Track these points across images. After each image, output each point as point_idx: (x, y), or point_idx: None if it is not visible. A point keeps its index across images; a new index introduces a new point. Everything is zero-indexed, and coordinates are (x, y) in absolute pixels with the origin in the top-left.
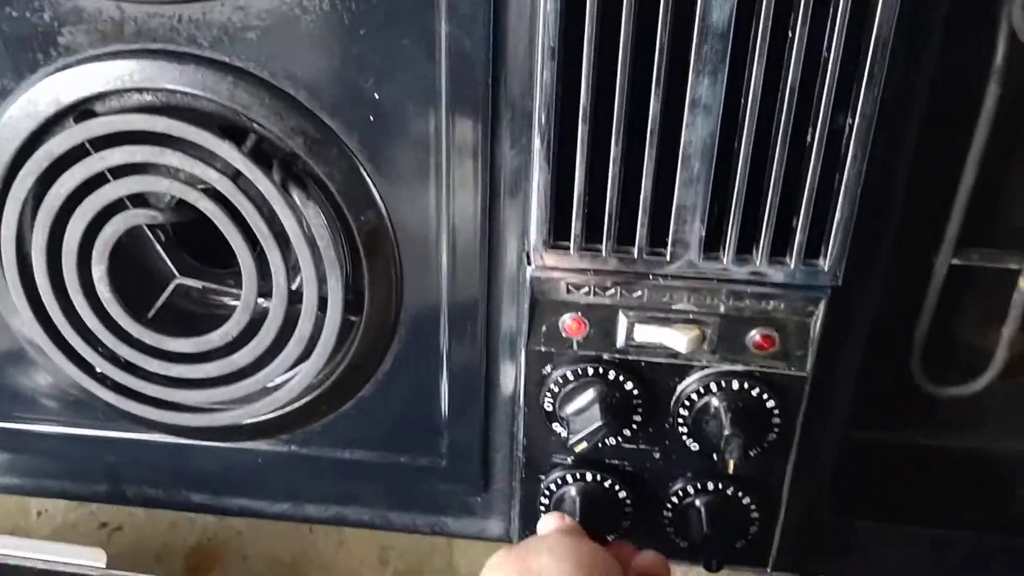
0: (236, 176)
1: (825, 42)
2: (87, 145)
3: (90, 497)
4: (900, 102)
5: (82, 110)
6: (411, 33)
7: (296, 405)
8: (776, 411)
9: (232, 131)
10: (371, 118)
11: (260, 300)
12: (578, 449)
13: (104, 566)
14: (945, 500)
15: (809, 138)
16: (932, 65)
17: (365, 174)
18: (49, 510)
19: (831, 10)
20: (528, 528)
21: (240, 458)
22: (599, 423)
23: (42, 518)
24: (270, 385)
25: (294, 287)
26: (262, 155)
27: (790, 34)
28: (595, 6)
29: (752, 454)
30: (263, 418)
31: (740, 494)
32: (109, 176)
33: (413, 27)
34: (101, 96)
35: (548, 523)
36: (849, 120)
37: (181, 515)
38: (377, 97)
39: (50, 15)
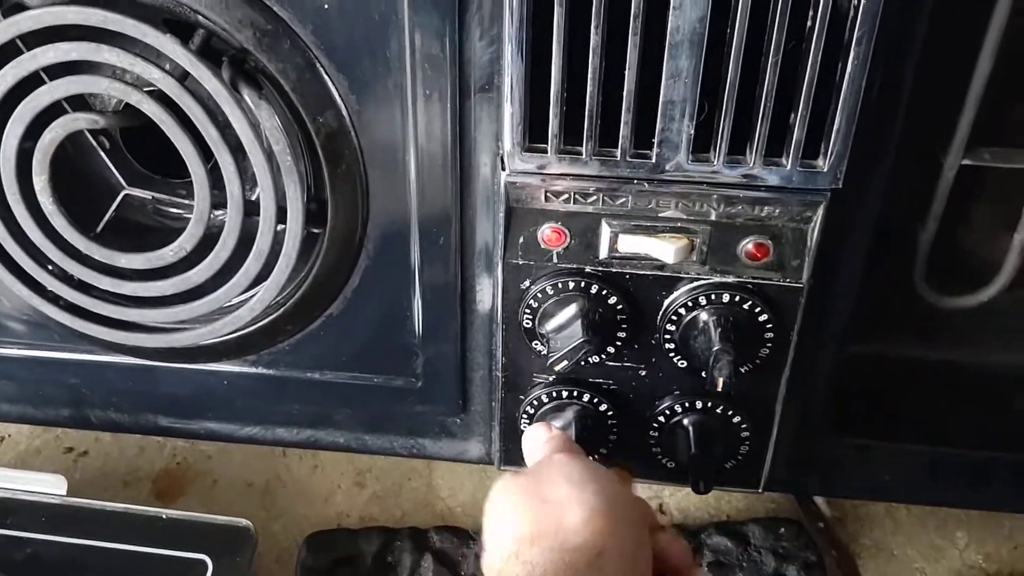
0: (183, 76)
1: None
2: (18, 42)
3: (53, 422)
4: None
5: (12, 3)
6: None
7: (259, 324)
8: (769, 325)
9: (178, 27)
10: (325, 6)
11: (215, 212)
12: (558, 368)
13: (64, 493)
14: (945, 416)
15: (809, 22)
16: None
17: (322, 70)
18: (12, 435)
19: None
20: (509, 449)
21: (206, 380)
22: (581, 340)
23: (5, 444)
24: (230, 303)
25: (252, 197)
26: (211, 53)
27: None
28: None
29: (743, 371)
30: (226, 338)
31: (730, 413)
32: (45, 77)
33: None
34: None
35: (536, 434)
36: (851, 7)
37: (149, 439)
38: None
39: None
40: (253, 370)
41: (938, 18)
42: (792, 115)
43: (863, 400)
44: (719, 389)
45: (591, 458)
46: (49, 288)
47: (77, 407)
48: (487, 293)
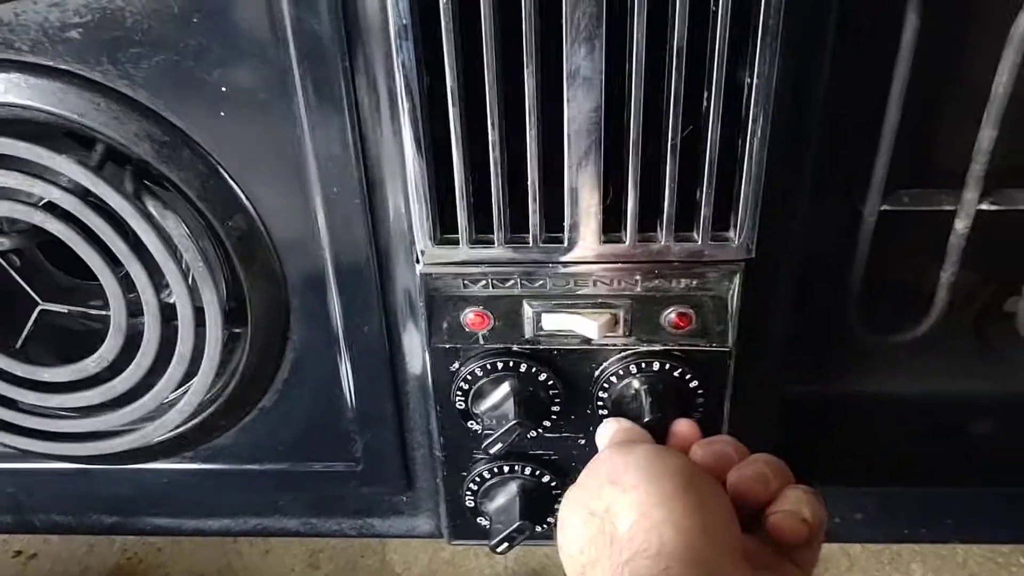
0: (85, 193)
1: None
2: None
3: None
4: (806, 46)
5: None
6: (251, 17)
7: (192, 423)
8: (700, 389)
9: (80, 140)
10: (222, 113)
11: (134, 318)
12: (493, 451)
13: None
14: (890, 453)
15: (705, 103)
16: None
17: (226, 175)
18: None
19: None
20: (458, 524)
21: (146, 478)
22: (513, 422)
23: None
24: (158, 407)
25: (169, 301)
26: (113, 165)
27: None
28: None
29: None
30: (160, 439)
31: None
32: None
33: (253, 10)
34: None
35: (608, 428)
36: (747, 79)
37: (98, 537)
38: (225, 90)
39: None
40: (192, 466)
41: (841, 76)
42: (698, 191)
43: (808, 443)
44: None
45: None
46: None
47: (18, 513)
48: (417, 370)
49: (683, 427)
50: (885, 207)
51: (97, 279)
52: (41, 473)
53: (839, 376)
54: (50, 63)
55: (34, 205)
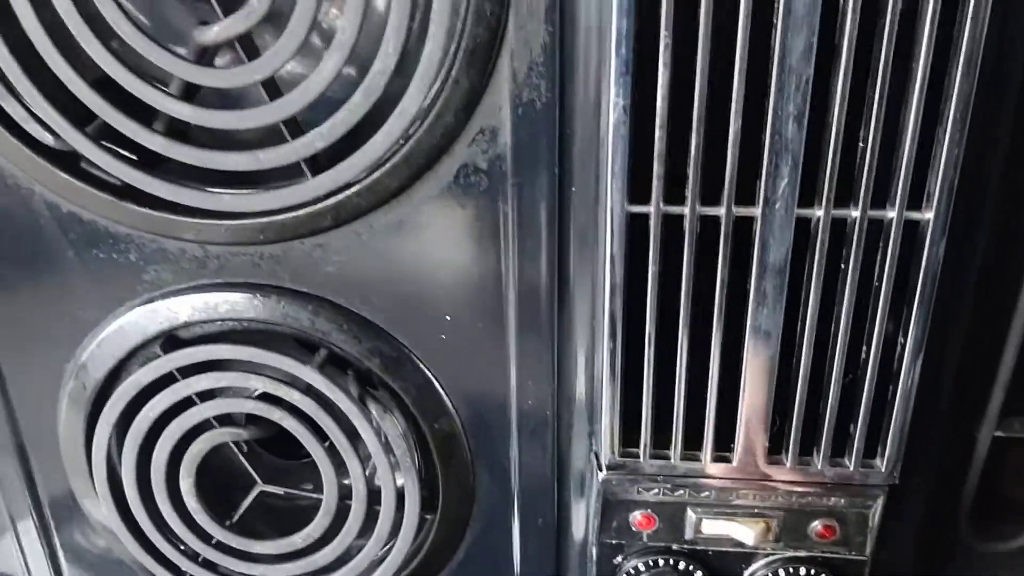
0: (319, 396)
1: (876, 270)
2: (175, 373)
3: None
4: (948, 313)
5: (168, 337)
6: (480, 265)
7: None
8: None
9: (303, 344)
10: (443, 337)
11: (341, 501)
12: None
13: None
14: None
15: (864, 355)
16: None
17: (438, 386)
18: None
19: (880, 244)
20: None
21: None
22: None
23: None
24: None
25: (375, 487)
26: (338, 369)
27: (842, 266)
28: (657, 251)
29: None
30: None
31: None
32: (196, 399)
33: (482, 260)
34: (186, 325)
35: None
36: (901, 339)
37: None
38: (449, 319)
39: (136, 255)
40: None
41: (970, 333)
42: (852, 425)
43: None
44: None
45: None
46: (184, 569)
47: None
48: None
49: None
50: (998, 433)
51: (301, 461)
52: None
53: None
54: (305, 290)
55: (275, 404)
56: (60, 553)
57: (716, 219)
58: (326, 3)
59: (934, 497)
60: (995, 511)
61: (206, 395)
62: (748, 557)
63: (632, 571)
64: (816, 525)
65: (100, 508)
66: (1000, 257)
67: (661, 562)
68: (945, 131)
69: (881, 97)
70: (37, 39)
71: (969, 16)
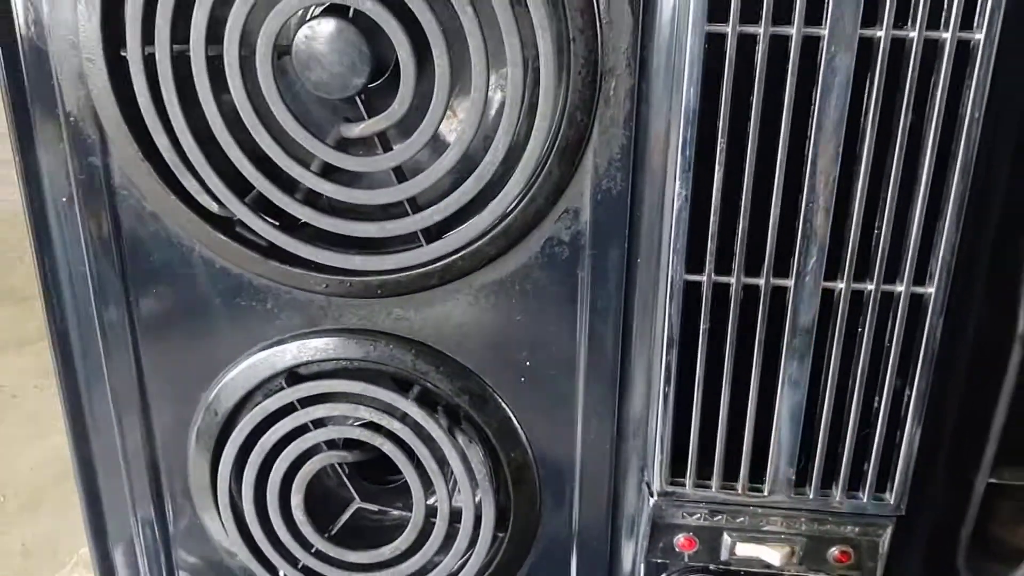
0: (414, 425)
1: (888, 334)
2: (295, 403)
3: None
4: (946, 371)
5: (289, 374)
6: (558, 320)
7: None
8: None
9: (406, 383)
10: (522, 379)
11: (427, 519)
12: None
13: None
14: None
15: (876, 404)
16: (966, 358)
17: (515, 422)
18: None
19: (891, 312)
20: None
21: None
22: None
23: None
24: None
25: (455, 508)
26: (428, 405)
27: (859, 330)
28: (707, 312)
29: None
30: None
31: None
32: (311, 426)
33: (560, 316)
34: (307, 363)
35: None
36: (908, 391)
37: None
38: (529, 364)
39: (271, 304)
40: None
41: (965, 397)
42: (866, 464)
43: None
44: None
45: None
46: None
47: None
48: None
49: None
50: (992, 480)
51: (387, 487)
52: None
53: None
54: (408, 336)
55: (376, 431)
56: (175, 563)
57: (756, 287)
58: (444, 114)
59: (936, 537)
60: (989, 551)
61: (317, 423)
62: None
63: None
64: (834, 551)
65: (216, 522)
66: (992, 326)
67: None
68: (944, 223)
69: (893, 195)
70: (216, 125)
71: (964, 135)
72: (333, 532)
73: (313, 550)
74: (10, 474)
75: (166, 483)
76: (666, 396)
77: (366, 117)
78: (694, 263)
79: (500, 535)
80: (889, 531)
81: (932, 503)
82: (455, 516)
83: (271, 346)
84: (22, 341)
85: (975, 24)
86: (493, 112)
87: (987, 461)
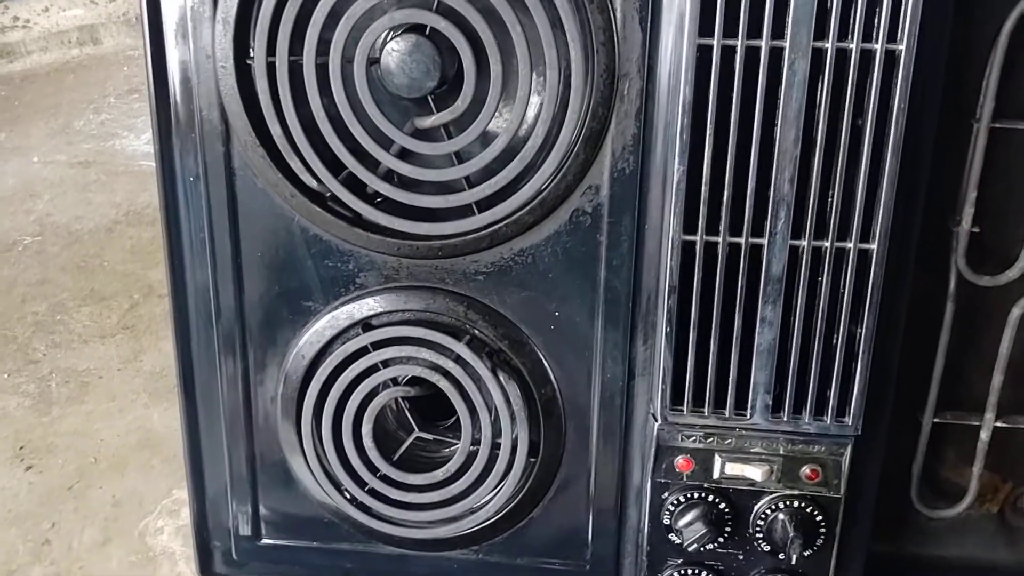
0: (465, 364)
1: (842, 282)
2: (369, 346)
3: None
4: (890, 315)
5: (364, 323)
6: (582, 277)
7: (487, 522)
8: (822, 522)
9: (456, 331)
10: (552, 327)
11: (472, 446)
12: (691, 549)
13: None
14: None
15: (835, 342)
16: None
17: (546, 364)
18: None
19: (844, 264)
20: None
21: (443, 564)
22: (704, 531)
23: None
24: (472, 507)
25: (495, 438)
26: (477, 348)
27: (819, 279)
28: (700, 266)
29: (806, 554)
30: (463, 533)
31: None
32: (380, 366)
33: (583, 273)
34: (379, 314)
35: None
36: (859, 331)
37: None
38: (558, 315)
39: (353, 265)
40: (475, 557)
41: (905, 342)
42: (828, 392)
43: None
44: (793, 562)
45: None
46: (355, 496)
47: None
48: (634, 512)
49: None
50: (936, 420)
51: (440, 425)
52: (371, 555)
53: (900, 538)
54: (463, 292)
55: (433, 369)
56: (261, 510)
57: (739, 245)
58: (496, 110)
59: (891, 474)
60: (940, 489)
61: (386, 365)
62: (758, 495)
63: (675, 503)
64: (805, 469)
65: (298, 457)
66: (931, 286)
67: (696, 495)
68: (882, 191)
69: (842, 170)
70: (319, 118)
71: (894, 122)
72: (395, 458)
73: (379, 474)
74: (98, 441)
75: (257, 433)
76: (668, 335)
77: (435, 112)
78: (689, 226)
79: (532, 460)
80: (849, 450)
81: (882, 438)
82: (495, 445)
83: (351, 301)
84: (104, 333)
85: (899, 38)
86: (532, 111)
87: (931, 402)
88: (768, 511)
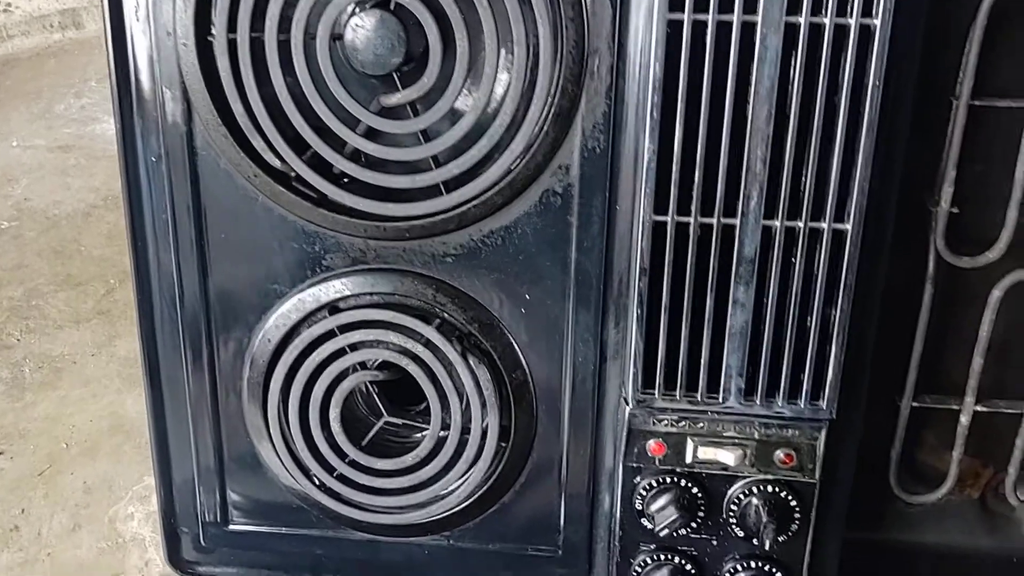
0: (435, 349)
1: (816, 263)
2: (335, 330)
3: None
4: (865, 298)
5: (331, 306)
6: (552, 258)
7: (458, 508)
8: (796, 507)
9: (426, 314)
10: (523, 310)
11: (442, 431)
12: (663, 535)
13: None
14: None
15: (809, 324)
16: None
17: (516, 347)
18: None
19: (819, 245)
20: None
21: (413, 551)
22: (676, 516)
23: None
24: (442, 493)
25: (465, 423)
26: (447, 332)
27: (793, 260)
28: (671, 246)
29: (780, 540)
30: (433, 518)
31: (772, 570)
32: (347, 350)
33: (554, 255)
34: (346, 297)
35: None
36: (834, 313)
37: None
38: (528, 297)
39: (319, 247)
40: (446, 543)
41: (883, 326)
42: (802, 374)
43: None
44: (767, 549)
45: None
46: (325, 483)
47: (316, 572)
48: (606, 497)
49: None
50: (915, 404)
51: (410, 410)
52: (341, 541)
53: (879, 524)
54: (430, 274)
55: (401, 354)
56: (229, 495)
57: (710, 225)
58: (464, 87)
59: (869, 458)
60: (919, 474)
61: (353, 349)
62: (731, 479)
63: (647, 487)
64: (779, 453)
65: (265, 442)
66: (908, 268)
67: (668, 480)
68: (857, 169)
69: (816, 147)
70: (282, 96)
71: (868, 99)
72: (364, 443)
73: (348, 459)
74: (71, 427)
75: (224, 419)
76: (639, 317)
77: (401, 90)
78: (660, 206)
79: (503, 445)
80: (824, 434)
81: (858, 422)
82: (465, 429)
83: (318, 283)
84: (79, 318)
85: (874, 12)
86: (500, 88)
87: (910, 385)
88: (741, 496)
